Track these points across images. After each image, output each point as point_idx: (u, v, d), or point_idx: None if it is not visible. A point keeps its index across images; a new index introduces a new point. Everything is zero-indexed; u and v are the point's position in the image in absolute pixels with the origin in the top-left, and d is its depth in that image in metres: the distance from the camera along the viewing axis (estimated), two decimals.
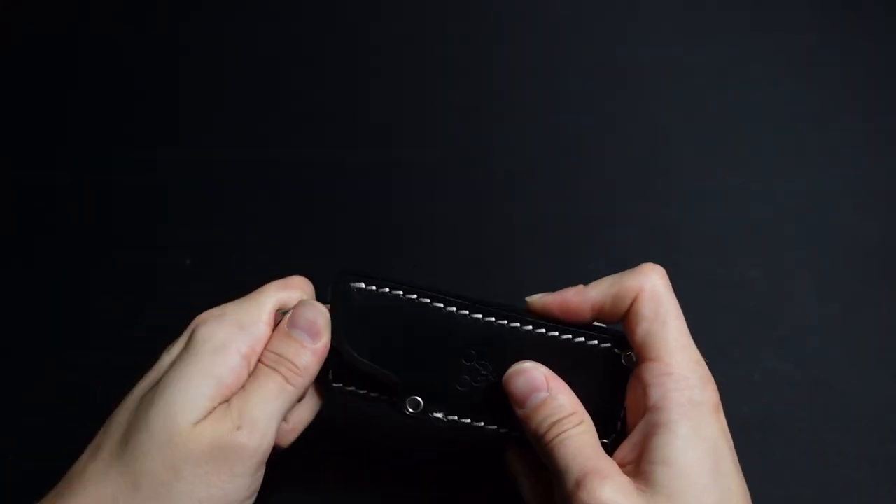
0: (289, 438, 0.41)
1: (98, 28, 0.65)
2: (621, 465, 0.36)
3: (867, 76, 0.61)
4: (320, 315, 0.39)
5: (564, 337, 0.40)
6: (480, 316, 0.39)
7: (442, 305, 0.39)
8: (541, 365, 0.39)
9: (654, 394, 0.37)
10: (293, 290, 0.41)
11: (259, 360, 0.39)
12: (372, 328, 0.39)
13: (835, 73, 0.62)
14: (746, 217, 0.57)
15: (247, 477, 0.37)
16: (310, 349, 0.39)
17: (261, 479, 0.38)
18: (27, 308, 0.55)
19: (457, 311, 0.39)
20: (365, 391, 0.41)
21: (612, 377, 0.39)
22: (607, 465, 0.36)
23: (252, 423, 0.37)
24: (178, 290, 0.55)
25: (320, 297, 0.41)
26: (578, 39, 0.64)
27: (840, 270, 0.55)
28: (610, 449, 0.39)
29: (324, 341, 0.39)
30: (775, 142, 0.59)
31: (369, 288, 0.39)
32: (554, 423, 0.37)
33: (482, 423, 0.40)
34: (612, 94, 0.62)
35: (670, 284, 0.39)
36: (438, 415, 0.40)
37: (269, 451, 0.38)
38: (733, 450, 0.37)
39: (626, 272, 0.39)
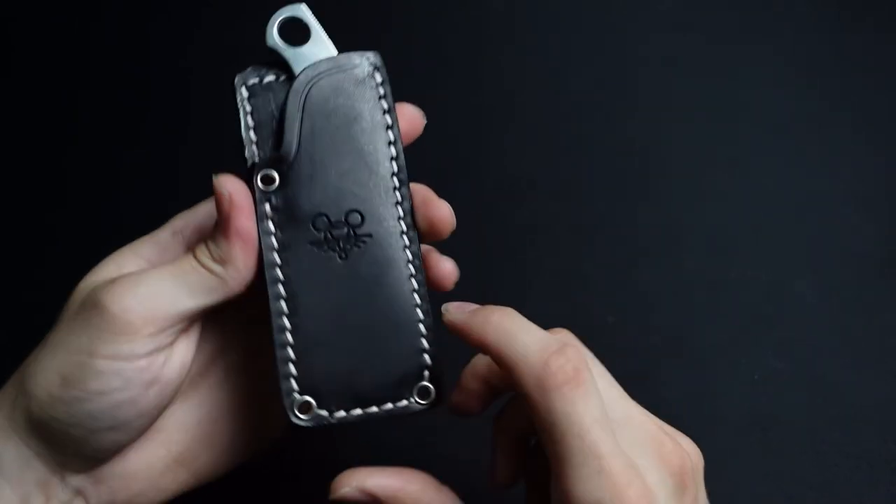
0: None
1: (103, 29, 0.65)
2: None
3: (867, 77, 0.61)
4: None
5: None
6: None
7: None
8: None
9: None
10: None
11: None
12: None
13: (835, 73, 0.62)
14: (746, 217, 0.57)
15: (87, 361, 0.32)
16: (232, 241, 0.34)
17: (134, 395, 0.33)
18: (28, 308, 0.55)
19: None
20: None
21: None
22: None
23: (127, 284, 0.33)
24: None
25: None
26: (579, 40, 0.64)
27: (840, 270, 0.55)
28: None
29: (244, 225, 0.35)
30: (775, 142, 0.59)
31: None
32: None
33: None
34: (611, 94, 0.62)
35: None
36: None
37: (151, 338, 0.33)
38: None
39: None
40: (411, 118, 0.38)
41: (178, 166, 0.60)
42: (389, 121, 0.38)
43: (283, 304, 0.35)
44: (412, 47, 0.64)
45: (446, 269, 0.37)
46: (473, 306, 0.35)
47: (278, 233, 0.36)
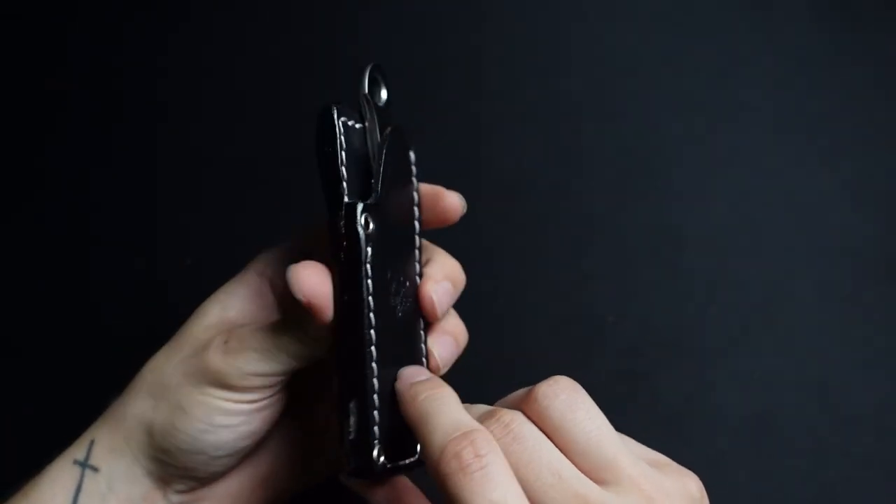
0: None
1: (91, 27, 0.65)
2: None
3: (867, 76, 0.61)
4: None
5: None
6: None
7: None
8: None
9: None
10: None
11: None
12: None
13: (834, 73, 0.62)
14: (746, 217, 0.57)
15: (213, 402, 0.35)
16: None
17: (254, 429, 0.36)
18: (26, 308, 0.55)
19: None
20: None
21: None
22: None
23: (233, 352, 0.35)
24: (177, 290, 0.55)
25: None
26: (578, 39, 0.64)
27: (840, 270, 0.55)
28: None
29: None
30: (775, 142, 0.59)
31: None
32: None
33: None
34: (611, 94, 0.62)
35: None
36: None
37: (248, 391, 0.35)
38: None
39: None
40: (452, 206, 0.40)
41: (178, 167, 0.60)
42: (416, 184, 0.40)
43: (373, 350, 0.34)
44: (410, 47, 0.64)
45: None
46: (424, 376, 0.35)
47: (374, 276, 0.34)
